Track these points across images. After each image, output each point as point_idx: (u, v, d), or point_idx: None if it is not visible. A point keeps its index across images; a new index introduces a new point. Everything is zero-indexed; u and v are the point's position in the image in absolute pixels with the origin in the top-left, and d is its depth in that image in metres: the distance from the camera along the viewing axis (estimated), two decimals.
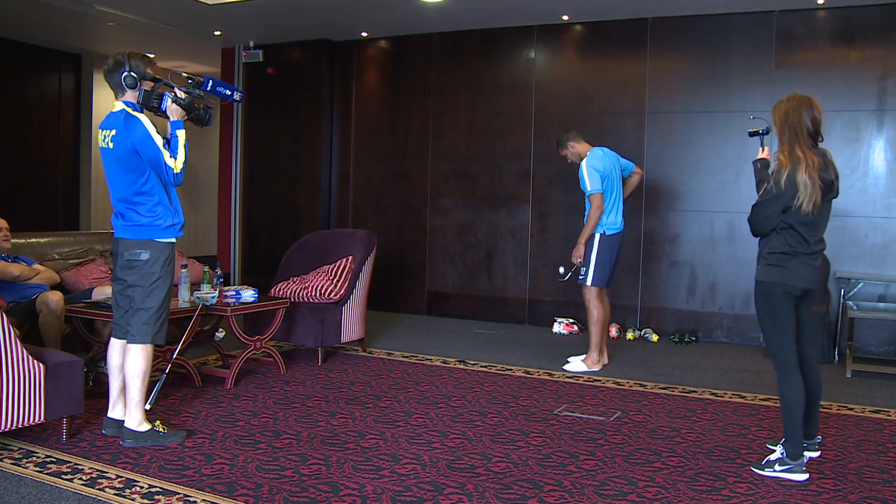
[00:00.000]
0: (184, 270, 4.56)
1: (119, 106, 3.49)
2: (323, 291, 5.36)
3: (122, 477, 3.08)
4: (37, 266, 4.85)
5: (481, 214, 7.46)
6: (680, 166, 6.64)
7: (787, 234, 3.24)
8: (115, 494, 2.91)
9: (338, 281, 5.43)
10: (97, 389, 4.31)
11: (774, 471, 3.24)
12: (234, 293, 4.69)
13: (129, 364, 3.47)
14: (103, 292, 4.69)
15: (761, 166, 3.47)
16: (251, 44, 8.22)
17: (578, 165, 5.25)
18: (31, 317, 4.43)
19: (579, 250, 5.23)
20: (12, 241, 4.84)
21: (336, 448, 3.50)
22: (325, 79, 8.11)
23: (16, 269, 4.62)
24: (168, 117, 3.51)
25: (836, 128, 6.12)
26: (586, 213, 5.21)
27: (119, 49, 3.65)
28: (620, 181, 5.33)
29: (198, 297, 4.52)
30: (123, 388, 3.56)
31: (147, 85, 3.49)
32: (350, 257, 5.54)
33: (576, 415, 4.16)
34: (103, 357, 4.63)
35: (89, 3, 6.76)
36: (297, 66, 8.26)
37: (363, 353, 5.68)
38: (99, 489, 2.95)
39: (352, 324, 5.49)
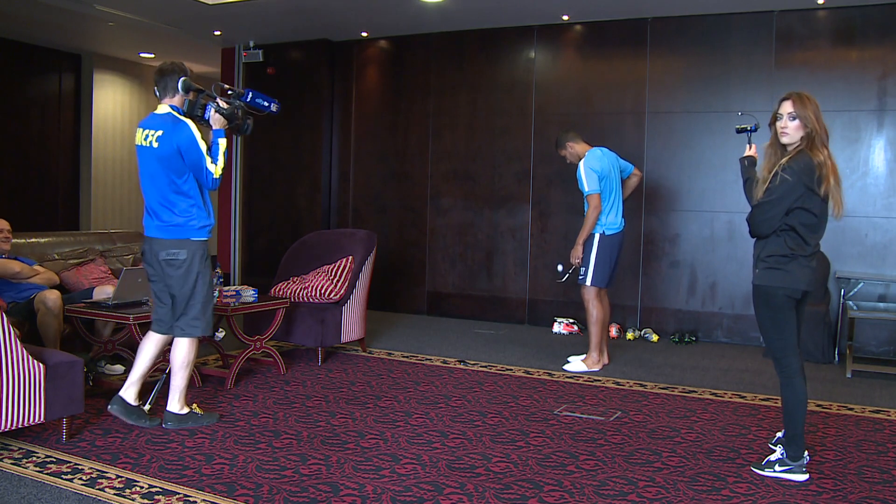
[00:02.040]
0: None
1: (164, 109, 3.66)
2: (323, 291, 5.36)
3: (122, 477, 3.08)
4: (37, 267, 4.85)
5: (481, 214, 7.46)
6: (680, 166, 6.64)
7: (788, 237, 3.18)
8: (115, 494, 2.91)
9: (338, 281, 5.43)
10: (97, 389, 4.32)
11: (774, 471, 3.24)
12: (234, 293, 4.69)
13: (176, 354, 3.68)
14: (104, 291, 4.69)
15: (748, 164, 3.41)
16: (251, 44, 8.22)
17: (577, 166, 5.25)
18: (31, 316, 4.43)
19: (577, 250, 5.23)
20: (13, 241, 4.84)
21: (336, 448, 3.50)
22: (325, 79, 8.11)
23: (16, 266, 4.62)
24: (209, 125, 3.71)
25: (836, 128, 6.12)
26: (585, 214, 5.21)
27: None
28: (620, 182, 5.32)
29: None
30: (143, 376, 3.76)
31: (191, 95, 3.68)
32: (350, 257, 5.54)
33: (576, 415, 4.16)
34: (103, 357, 4.65)
35: (89, 3, 6.76)
36: (297, 66, 8.26)
37: (363, 353, 5.68)
38: (99, 489, 2.95)
39: (352, 324, 5.49)
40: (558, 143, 5.40)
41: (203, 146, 3.59)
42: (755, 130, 3.55)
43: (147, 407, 4.00)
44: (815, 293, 5.94)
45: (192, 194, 3.64)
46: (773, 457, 3.29)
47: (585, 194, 5.16)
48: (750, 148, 3.49)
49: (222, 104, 3.69)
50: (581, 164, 5.19)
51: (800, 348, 3.33)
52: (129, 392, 3.72)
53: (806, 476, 3.21)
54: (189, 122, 3.61)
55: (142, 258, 3.83)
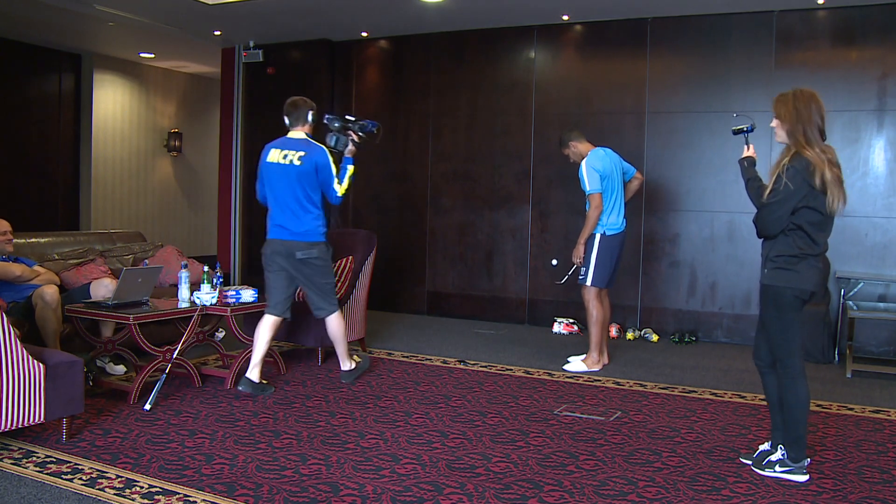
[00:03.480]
0: (184, 270, 4.56)
1: (299, 135, 4.49)
2: None
3: (122, 477, 3.08)
4: (37, 268, 4.85)
5: (481, 214, 7.46)
6: (680, 166, 6.64)
7: (796, 236, 3.16)
8: (115, 494, 2.91)
9: (338, 281, 5.42)
10: (97, 389, 4.32)
11: (775, 471, 3.23)
12: (233, 293, 4.69)
13: (333, 328, 4.66)
14: (101, 284, 4.69)
15: (748, 164, 3.38)
16: (251, 44, 8.21)
17: (579, 165, 5.25)
18: (30, 315, 4.43)
19: (579, 250, 5.23)
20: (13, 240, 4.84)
21: (336, 448, 3.50)
22: (325, 79, 8.11)
23: (17, 269, 4.62)
24: (339, 152, 4.55)
25: (836, 128, 6.11)
26: (587, 213, 5.21)
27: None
28: (622, 182, 5.32)
29: (197, 298, 4.52)
30: (264, 356, 4.51)
31: (337, 126, 4.59)
32: (350, 257, 5.53)
33: (576, 415, 4.16)
34: (103, 356, 4.65)
35: (89, 3, 6.75)
36: (297, 66, 8.26)
37: (363, 353, 5.67)
38: (99, 489, 2.95)
39: (352, 324, 5.48)
40: (562, 142, 5.39)
41: (333, 169, 4.43)
42: (752, 131, 3.53)
43: (147, 407, 4.01)
44: (817, 294, 5.96)
45: (320, 206, 4.49)
46: (773, 457, 3.29)
47: (587, 194, 5.15)
48: (748, 149, 3.45)
49: (355, 138, 4.58)
50: (583, 163, 5.19)
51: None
52: (254, 373, 4.46)
53: (806, 477, 3.20)
54: (324, 147, 4.44)
55: (264, 257, 4.54)
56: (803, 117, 3.15)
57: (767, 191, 3.18)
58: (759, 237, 3.30)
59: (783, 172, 3.11)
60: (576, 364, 5.31)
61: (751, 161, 3.40)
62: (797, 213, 3.12)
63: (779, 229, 3.17)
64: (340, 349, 4.74)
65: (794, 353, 3.22)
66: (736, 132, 3.59)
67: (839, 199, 3.10)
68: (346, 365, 4.78)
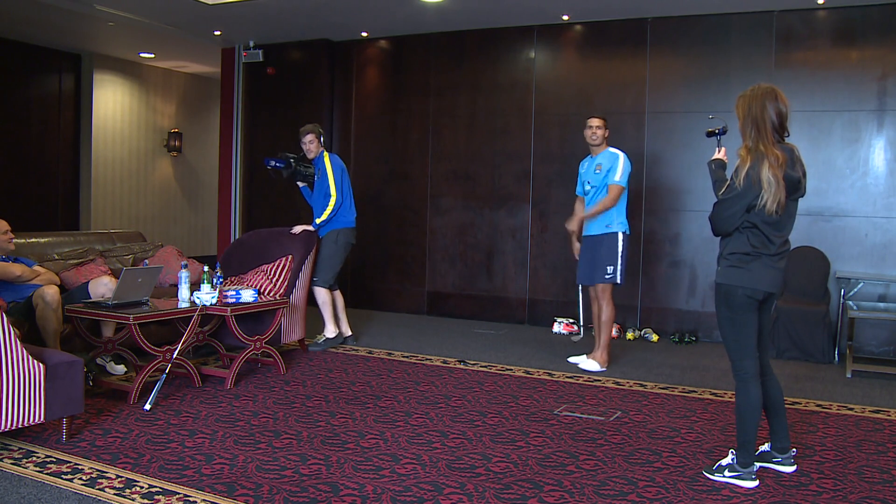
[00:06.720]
0: (184, 270, 4.56)
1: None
2: (262, 291, 5.22)
3: (122, 477, 3.08)
4: (37, 268, 4.84)
5: (481, 214, 7.46)
6: (680, 166, 6.64)
7: (751, 234, 3.09)
8: (115, 494, 2.91)
9: (277, 280, 5.32)
10: (97, 389, 4.32)
11: (724, 476, 3.16)
12: (233, 293, 4.69)
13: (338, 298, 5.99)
14: (101, 283, 4.69)
15: (716, 167, 3.32)
16: (251, 44, 8.21)
17: (610, 151, 5.25)
18: (30, 315, 4.43)
19: (574, 223, 5.29)
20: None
21: (336, 448, 3.50)
22: (325, 79, 8.11)
23: (17, 269, 4.62)
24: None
25: (836, 128, 6.12)
26: (595, 199, 5.23)
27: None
28: None
29: (197, 298, 4.52)
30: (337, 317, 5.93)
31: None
32: (289, 256, 5.42)
33: (576, 415, 4.16)
34: (104, 356, 4.65)
35: (89, 3, 6.76)
36: (297, 66, 8.26)
37: (363, 353, 5.68)
38: (99, 489, 2.95)
39: (292, 324, 5.42)
40: (605, 118, 5.37)
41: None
42: (724, 133, 3.51)
43: (147, 407, 4.01)
44: (813, 293, 5.97)
45: None
46: (724, 461, 3.22)
47: (614, 183, 5.15)
48: (719, 151, 3.40)
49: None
50: (623, 155, 5.22)
51: (763, 354, 3.27)
52: (329, 329, 5.86)
53: (755, 483, 3.12)
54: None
55: (350, 241, 5.85)
56: (754, 114, 3.07)
57: (723, 188, 3.13)
58: (715, 235, 3.24)
59: (735, 171, 3.07)
60: (590, 364, 5.28)
61: (719, 164, 3.33)
62: (752, 211, 3.05)
63: (732, 227, 3.11)
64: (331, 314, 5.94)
65: (746, 354, 3.15)
66: (709, 134, 3.56)
67: (774, 200, 2.99)
68: (329, 331, 5.86)
